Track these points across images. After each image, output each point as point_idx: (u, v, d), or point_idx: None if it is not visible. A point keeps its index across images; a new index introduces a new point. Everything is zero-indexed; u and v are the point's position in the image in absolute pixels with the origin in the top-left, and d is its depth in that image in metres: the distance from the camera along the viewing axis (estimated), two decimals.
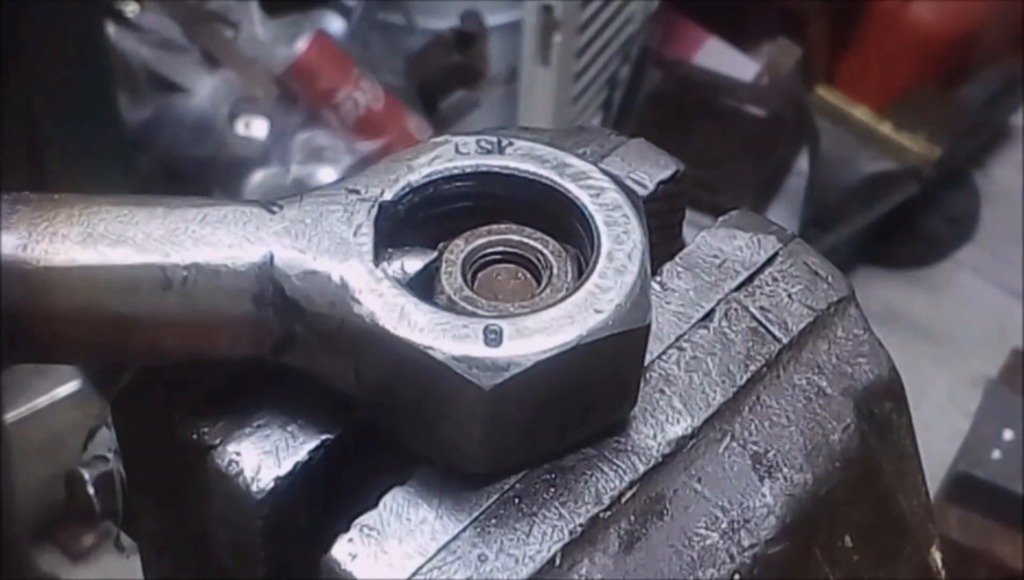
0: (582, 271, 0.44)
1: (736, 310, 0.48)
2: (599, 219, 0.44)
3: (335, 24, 2.37)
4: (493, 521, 0.42)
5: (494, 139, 0.46)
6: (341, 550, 0.41)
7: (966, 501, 2.11)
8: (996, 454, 2.13)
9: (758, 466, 0.45)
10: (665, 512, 0.44)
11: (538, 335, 0.41)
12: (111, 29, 2.09)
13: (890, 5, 2.77)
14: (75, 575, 2.09)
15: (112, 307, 0.43)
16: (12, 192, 0.44)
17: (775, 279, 0.49)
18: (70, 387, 1.95)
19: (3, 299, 0.42)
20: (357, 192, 0.44)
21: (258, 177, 2.17)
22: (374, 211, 0.44)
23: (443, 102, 2.44)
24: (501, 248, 0.45)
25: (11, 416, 1.83)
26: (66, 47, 1.76)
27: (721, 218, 0.50)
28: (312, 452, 0.44)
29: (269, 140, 2.17)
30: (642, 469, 0.44)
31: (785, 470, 0.45)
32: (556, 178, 0.45)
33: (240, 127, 2.16)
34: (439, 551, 0.41)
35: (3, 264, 0.42)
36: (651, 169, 0.50)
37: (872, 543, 0.48)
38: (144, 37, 2.15)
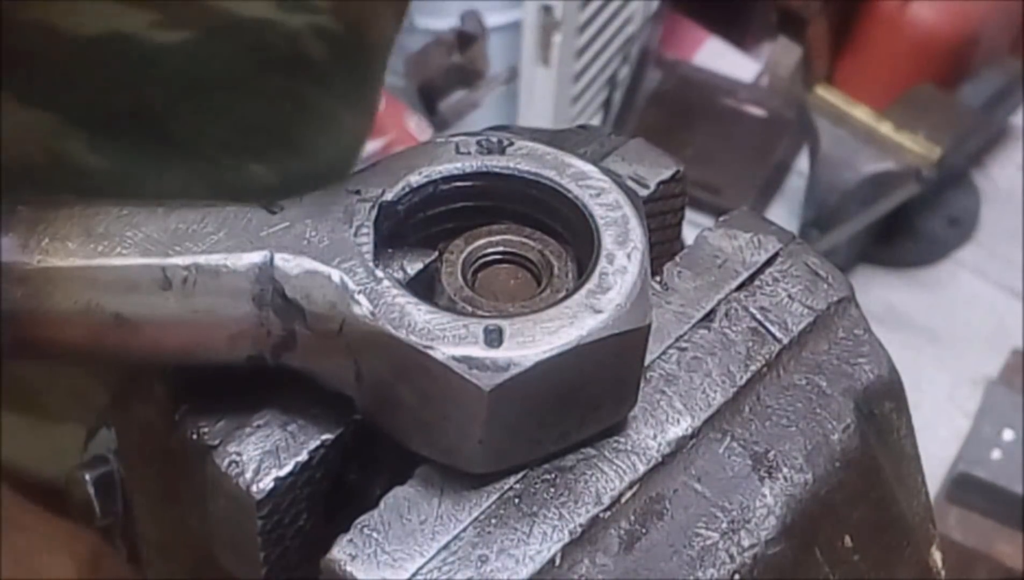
0: (582, 271, 0.44)
1: (736, 310, 0.48)
2: (599, 219, 0.44)
3: None
4: (493, 521, 0.42)
5: (494, 139, 0.46)
6: (341, 550, 0.41)
7: (966, 501, 2.11)
8: (996, 454, 2.14)
9: (758, 466, 0.45)
10: (665, 512, 0.44)
11: (538, 335, 0.41)
12: None
13: (890, 5, 2.77)
14: None
15: (112, 307, 0.43)
16: (12, 193, 0.44)
17: (775, 279, 0.49)
18: None
19: (3, 300, 0.42)
20: (357, 192, 0.44)
21: None
22: (374, 211, 0.44)
23: (443, 102, 2.44)
24: (501, 248, 0.45)
25: None
26: None
27: (721, 218, 0.50)
28: (312, 452, 0.44)
29: None
30: (642, 469, 0.44)
31: (785, 470, 0.45)
32: (556, 178, 0.45)
33: None
34: (439, 551, 0.41)
35: (3, 265, 0.42)
36: (651, 169, 0.50)
37: (872, 543, 0.48)
38: None
